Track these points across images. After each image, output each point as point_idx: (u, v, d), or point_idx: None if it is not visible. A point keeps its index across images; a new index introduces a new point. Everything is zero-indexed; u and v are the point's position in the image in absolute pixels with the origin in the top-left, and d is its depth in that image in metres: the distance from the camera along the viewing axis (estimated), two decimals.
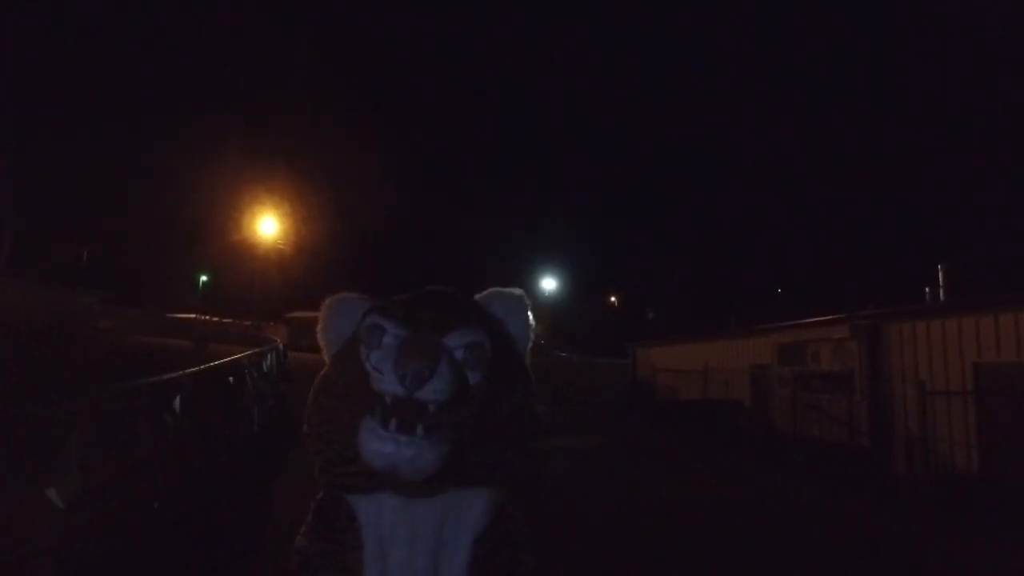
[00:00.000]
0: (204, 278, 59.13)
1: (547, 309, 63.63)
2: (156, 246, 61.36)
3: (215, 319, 47.77)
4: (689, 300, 62.64)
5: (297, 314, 42.80)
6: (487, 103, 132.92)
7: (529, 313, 1.37)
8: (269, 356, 12.01)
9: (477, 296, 1.36)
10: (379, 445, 1.08)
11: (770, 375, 14.29)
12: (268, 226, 47.51)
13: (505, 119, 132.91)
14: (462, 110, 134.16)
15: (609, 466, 8.57)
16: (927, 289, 14.01)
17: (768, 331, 14.66)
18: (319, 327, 1.35)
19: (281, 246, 49.36)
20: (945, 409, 9.36)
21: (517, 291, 1.36)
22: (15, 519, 3.08)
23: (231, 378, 7.43)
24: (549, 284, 62.85)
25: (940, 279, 11.68)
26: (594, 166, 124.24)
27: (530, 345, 1.38)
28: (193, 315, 47.23)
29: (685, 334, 21.90)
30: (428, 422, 1.08)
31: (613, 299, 75.78)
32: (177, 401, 5.38)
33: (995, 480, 8.32)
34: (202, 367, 6.17)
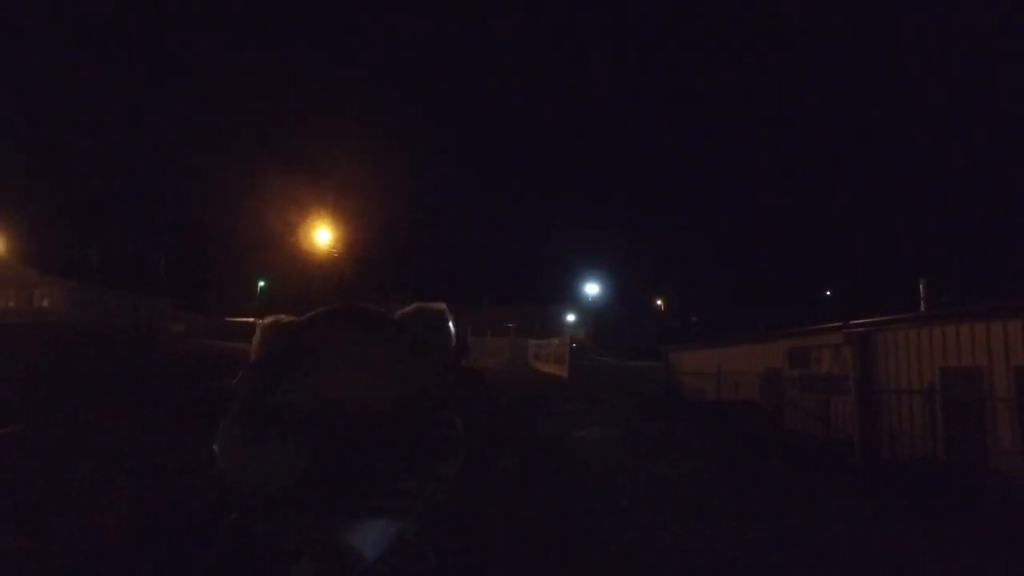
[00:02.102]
0: (262, 284, 62.51)
1: (590, 313, 65.03)
2: (218, 254, 65.04)
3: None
4: (732, 303, 63.23)
5: None
6: (533, 108, 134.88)
7: (451, 326, 1.31)
8: None
9: (399, 312, 1.31)
10: (244, 451, 0.97)
11: (782, 377, 15.64)
12: (323, 234, 50.16)
13: (552, 124, 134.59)
14: (509, 117, 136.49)
15: (612, 450, 10.21)
16: (929, 297, 15.20)
17: (780, 337, 16.04)
18: (252, 348, 1.30)
19: (335, 253, 52.03)
20: (920, 407, 10.68)
21: (439, 305, 1.30)
22: (197, 466, 4.92)
23: None
24: (593, 289, 64.16)
25: (922, 292, 12.94)
26: (639, 171, 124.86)
27: (450, 358, 1.33)
28: (252, 319, 49.68)
29: (709, 339, 23.28)
30: (306, 430, 0.99)
31: (660, 303, 76.70)
32: None
33: (956, 465, 9.65)
34: None
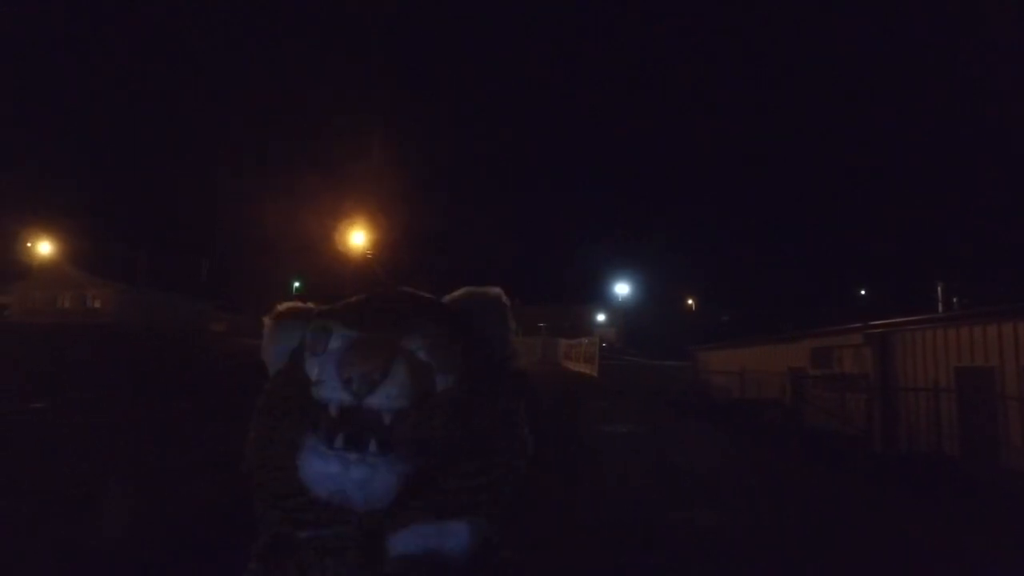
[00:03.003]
0: (297, 284, 64.09)
1: (621, 313, 65.28)
2: (254, 255, 66.84)
3: None
4: (763, 303, 62.93)
5: None
6: (567, 111, 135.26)
7: (508, 314, 1.15)
8: None
9: (447, 297, 1.14)
10: (322, 466, 0.85)
11: (804, 376, 16.08)
12: (357, 237, 51.41)
13: (584, 125, 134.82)
14: (542, 119, 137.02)
15: (635, 443, 10.85)
16: (955, 300, 15.53)
17: (803, 337, 16.48)
18: (264, 341, 1.11)
19: (369, 254, 53.22)
20: (936, 404, 11.10)
21: (494, 290, 1.15)
22: None
23: None
24: (623, 289, 64.37)
25: (939, 295, 13.30)
26: (670, 171, 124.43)
27: (510, 350, 1.16)
28: None
29: (735, 339, 23.68)
30: (384, 435, 0.86)
31: (690, 302, 76.59)
32: None
33: (969, 460, 10.08)
34: None
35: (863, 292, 69.19)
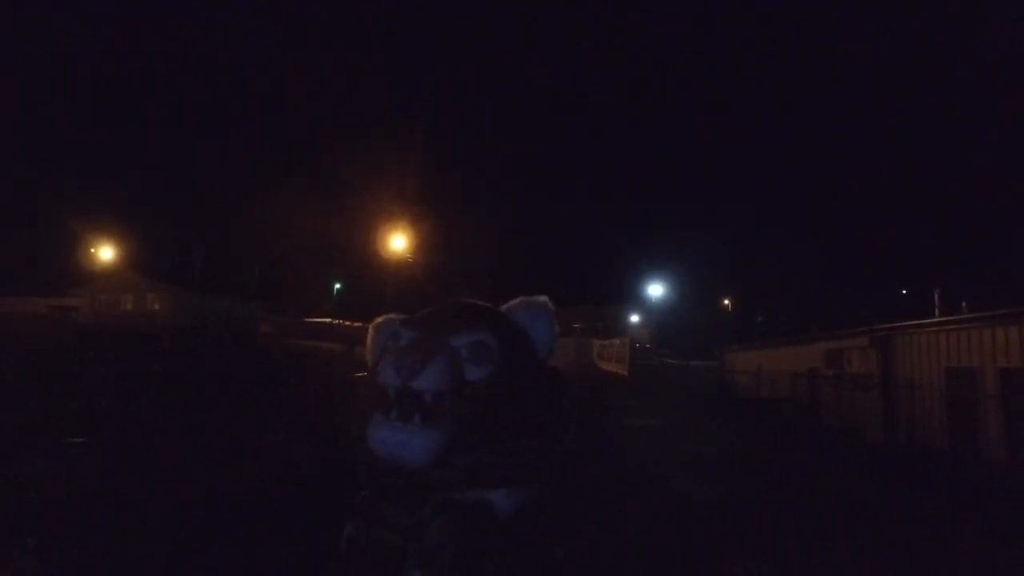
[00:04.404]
0: (338, 286, 66.37)
1: (655, 314, 66.00)
2: (297, 258, 69.46)
3: (348, 323, 53.35)
4: (796, 303, 63.06)
5: None
6: (600, 115, 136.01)
7: (551, 318, 1.35)
8: None
9: (505, 306, 1.35)
10: (379, 432, 1.08)
11: (818, 376, 17.17)
12: (397, 241, 53.19)
13: (619, 129, 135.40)
14: (576, 122, 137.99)
15: (656, 435, 12.16)
16: (963, 304, 16.45)
17: (818, 339, 17.57)
18: (367, 345, 1.36)
19: (409, 258, 54.91)
20: (929, 401, 12.19)
21: (541, 298, 1.35)
22: None
23: None
24: (656, 290, 65.06)
25: (936, 300, 14.28)
26: (706, 170, 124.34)
27: (551, 349, 1.35)
28: (328, 319, 52.61)
29: (760, 340, 24.73)
30: (424, 410, 1.07)
31: (726, 302, 76.85)
32: None
33: (956, 452, 11.17)
34: None
35: (904, 292, 68.70)
